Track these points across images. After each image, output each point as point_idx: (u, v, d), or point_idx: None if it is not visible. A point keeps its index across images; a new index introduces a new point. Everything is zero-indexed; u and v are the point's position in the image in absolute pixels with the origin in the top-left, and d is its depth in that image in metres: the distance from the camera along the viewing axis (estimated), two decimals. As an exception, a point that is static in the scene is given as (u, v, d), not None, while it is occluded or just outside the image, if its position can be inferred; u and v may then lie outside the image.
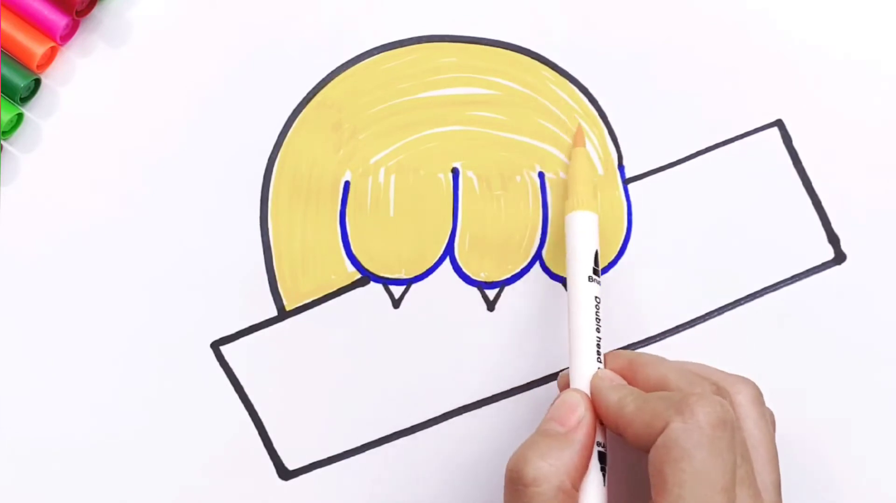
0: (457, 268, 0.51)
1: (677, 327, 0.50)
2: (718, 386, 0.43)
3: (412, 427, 0.50)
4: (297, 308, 0.51)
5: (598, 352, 0.45)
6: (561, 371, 0.47)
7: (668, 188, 0.51)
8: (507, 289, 0.51)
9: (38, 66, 0.52)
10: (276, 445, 0.50)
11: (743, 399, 0.44)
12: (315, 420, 0.50)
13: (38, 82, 0.52)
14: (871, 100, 0.52)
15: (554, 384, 0.49)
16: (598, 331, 0.46)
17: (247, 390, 0.50)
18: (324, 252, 0.51)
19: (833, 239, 0.51)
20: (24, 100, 0.52)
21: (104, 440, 0.50)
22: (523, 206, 0.51)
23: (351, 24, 0.52)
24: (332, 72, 0.52)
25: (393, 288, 0.51)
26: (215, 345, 0.50)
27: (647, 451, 0.41)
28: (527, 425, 0.50)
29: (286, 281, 0.51)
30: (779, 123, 0.52)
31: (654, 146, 0.51)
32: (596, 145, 0.51)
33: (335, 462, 0.50)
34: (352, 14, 0.52)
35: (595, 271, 0.47)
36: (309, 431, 0.50)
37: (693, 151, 0.51)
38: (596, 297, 0.46)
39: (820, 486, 0.50)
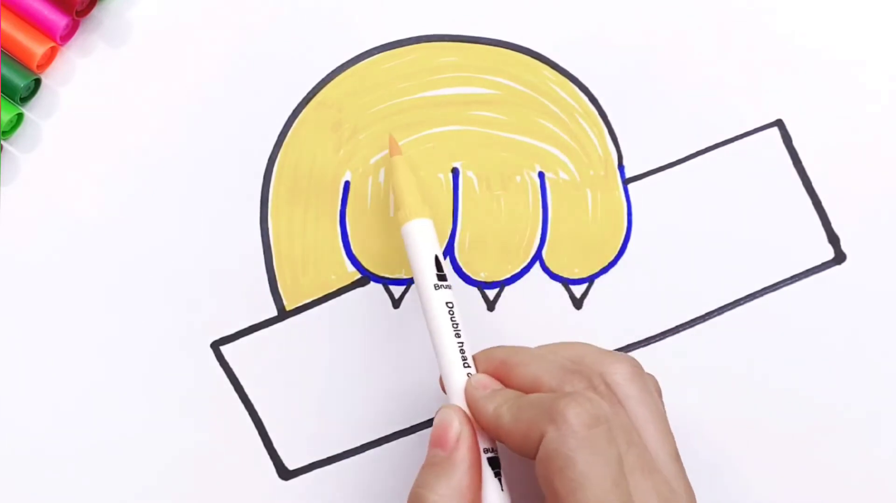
0: (457, 269, 0.51)
1: (677, 327, 0.50)
2: (592, 373, 0.42)
3: (412, 427, 0.50)
4: (297, 308, 0.51)
5: (465, 358, 0.44)
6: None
7: (668, 188, 0.51)
8: (507, 289, 0.51)
9: (38, 66, 0.52)
10: (276, 445, 0.50)
11: (620, 378, 0.43)
12: (315, 420, 0.50)
13: (38, 82, 0.52)
14: (871, 100, 0.52)
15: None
16: (459, 337, 0.45)
17: (247, 390, 0.50)
18: (324, 252, 0.51)
19: (833, 239, 0.51)
20: (24, 100, 0.52)
21: (104, 440, 0.50)
22: (523, 206, 0.51)
23: (351, 24, 0.52)
24: (332, 72, 0.52)
25: (393, 288, 0.51)
26: (215, 345, 0.50)
27: (533, 459, 0.41)
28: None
29: (286, 281, 0.51)
30: (779, 123, 0.52)
31: (654, 146, 0.51)
32: (596, 144, 0.51)
33: (335, 462, 0.50)
34: (352, 14, 0.52)
35: (440, 276, 0.46)
36: (309, 431, 0.50)
37: (693, 151, 0.51)
38: (447, 303, 0.45)
39: (820, 485, 0.50)
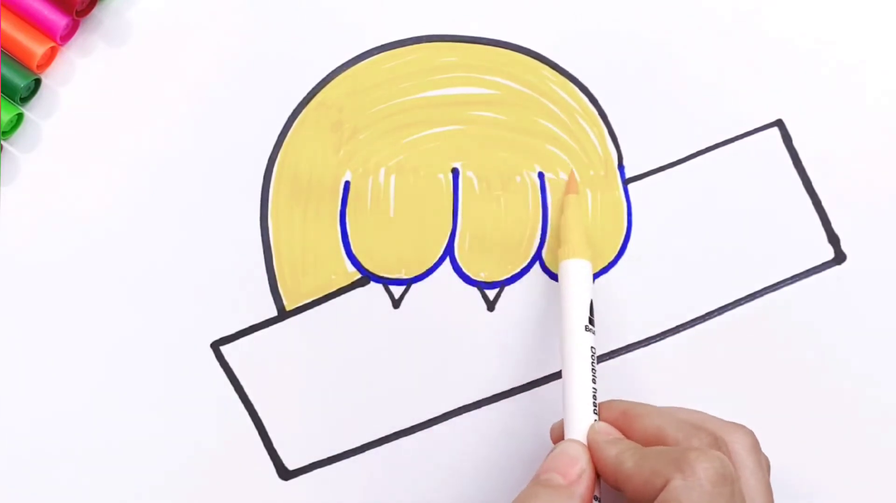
0: (457, 269, 0.51)
1: (677, 327, 0.50)
2: (715, 436, 0.43)
3: (412, 427, 0.50)
4: (297, 308, 0.51)
5: (594, 404, 0.45)
6: (553, 424, 0.47)
7: (668, 188, 0.51)
8: (507, 289, 0.51)
9: (38, 66, 0.52)
10: (276, 445, 0.50)
11: (740, 448, 0.43)
12: (315, 420, 0.50)
13: (38, 82, 0.52)
14: (871, 100, 0.52)
15: (551, 387, 0.49)
16: (595, 382, 0.45)
17: (247, 390, 0.50)
18: (324, 252, 0.51)
19: (833, 239, 0.51)
20: (24, 100, 0.52)
21: (104, 440, 0.50)
22: (523, 206, 0.51)
23: (351, 24, 0.52)
24: (332, 72, 0.52)
25: (393, 288, 0.51)
26: (215, 345, 0.50)
27: None
28: (527, 425, 0.50)
29: (286, 281, 0.51)
30: (779, 123, 0.52)
31: (654, 146, 0.51)
32: (596, 144, 0.51)
33: (335, 462, 0.50)
34: (352, 14, 0.52)
35: (590, 320, 0.46)
36: (309, 431, 0.50)
37: (693, 151, 0.51)
38: (592, 348, 0.46)
39: (820, 485, 0.50)
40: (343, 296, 0.51)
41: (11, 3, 0.51)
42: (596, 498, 0.44)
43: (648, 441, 0.44)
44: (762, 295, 0.51)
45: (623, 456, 0.43)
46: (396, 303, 0.51)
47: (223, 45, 0.52)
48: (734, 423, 0.44)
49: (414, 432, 0.50)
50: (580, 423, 0.45)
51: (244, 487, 0.50)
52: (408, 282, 0.51)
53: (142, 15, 0.52)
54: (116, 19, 0.52)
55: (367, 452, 0.50)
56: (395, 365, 0.50)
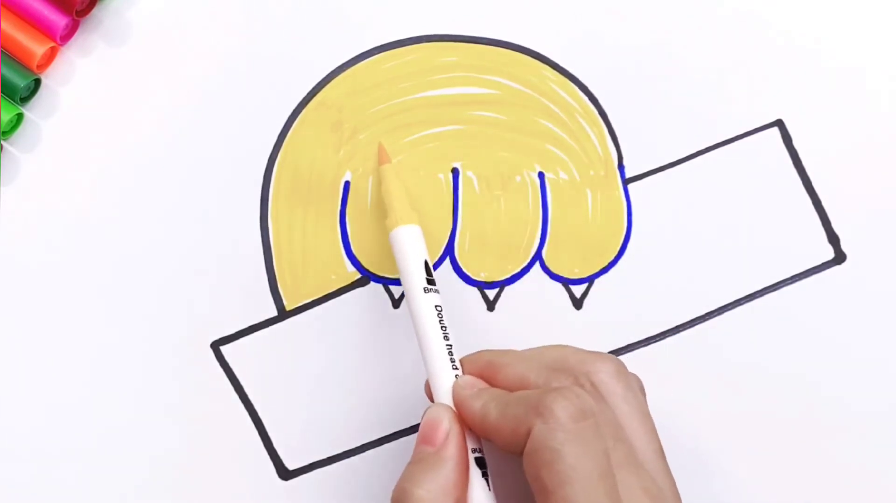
0: (457, 269, 0.51)
1: (677, 327, 0.50)
2: (577, 372, 0.43)
3: (412, 427, 0.50)
4: (297, 308, 0.51)
5: (452, 360, 0.45)
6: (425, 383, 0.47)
7: (668, 188, 0.51)
8: (507, 289, 0.51)
9: (38, 66, 0.52)
10: (276, 445, 0.50)
11: (605, 377, 0.43)
12: (315, 420, 0.50)
13: (38, 82, 0.52)
14: (872, 100, 0.52)
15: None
16: (447, 339, 0.45)
17: (247, 390, 0.50)
18: (324, 252, 0.51)
19: (833, 239, 0.51)
20: (24, 100, 0.52)
21: (104, 440, 0.50)
22: (523, 206, 0.51)
23: (351, 24, 0.52)
24: (332, 72, 0.52)
25: (393, 288, 0.51)
26: (215, 345, 0.51)
27: (520, 456, 0.41)
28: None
29: (286, 281, 0.51)
30: (779, 123, 0.52)
31: (654, 146, 0.51)
32: (596, 144, 0.51)
33: (335, 462, 0.50)
34: (352, 14, 0.52)
35: (429, 281, 0.46)
36: (309, 431, 0.50)
37: (693, 151, 0.51)
38: (436, 306, 0.46)
39: (820, 485, 0.50)
40: (343, 296, 0.51)
41: (11, 3, 0.51)
42: (475, 450, 0.43)
43: (513, 388, 0.43)
44: (762, 295, 0.51)
45: (487, 407, 0.42)
46: (396, 304, 0.51)
47: (223, 45, 0.52)
48: (596, 353, 0.44)
49: (414, 432, 0.50)
50: (442, 381, 0.45)
51: (244, 487, 0.50)
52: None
53: (142, 15, 0.52)
54: (116, 19, 0.52)
55: (367, 452, 0.50)
56: (395, 365, 0.50)
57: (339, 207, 0.51)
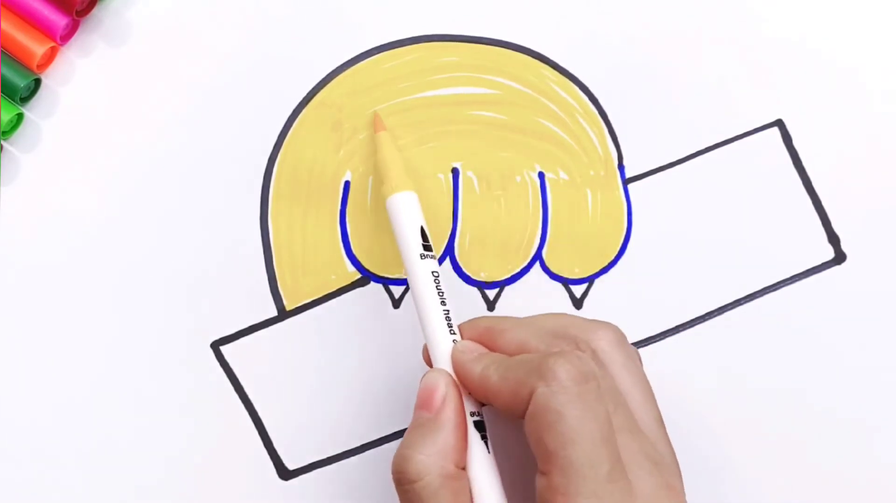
0: (457, 269, 0.51)
1: (677, 327, 0.50)
2: (578, 339, 0.43)
3: (412, 427, 0.50)
4: (297, 308, 0.51)
5: (450, 325, 0.45)
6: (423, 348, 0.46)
7: (668, 188, 0.51)
8: (507, 289, 0.51)
9: (38, 66, 0.52)
10: (276, 445, 0.50)
11: (605, 345, 0.43)
12: (315, 420, 0.50)
13: (38, 82, 0.52)
14: (872, 100, 0.52)
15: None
16: (445, 304, 0.45)
17: (247, 390, 0.50)
18: (324, 252, 0.51)
19: (833, 239, 0.51)
20: (24, 100, 0.52)
21: (104, 440, 0.50)
22: (523, 206, 0.51)
23: (351, 24, 0.52)
24: (332, 72, 0.52)
25: (393, 288, 0.51)
26: (215, 345, 0.51)
27: (521, 418, 0.41)
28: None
29: (286, 281, 0.51)
30: (779, 123, 0.52)
31: (654, 146, 0.51)
32: (596, 144, 0.51)
33: (335, 462, 0.50)
34: (352, 14, 0.52)
35: (426, 247, 0.46)
36: (309, 431, 0.50)
37: (693, 151, 0.51)
38: (433, 272, 0.46)
39: (819, 485, 0.50)
40: (343, 296, 0.51)
41: (11, 3, 0.51)
42: (474, 414, 0.43)
43: (512, 353, 0.43)
44: (762, 295, 0.51)
45: (488, 370, 0.42)
46: (396, 304, 0.51)
47: (223, 45, 0.52)
48: (597, 321, 0.44)
49: (414, 432, 0.50)
50: (441, 347, 0.45)
51: (244, 487, 0.50)
52: (408, 283, 0.51)
53: (142, 15, 0.52)
54: (116, 19, 0.52)
55: (367, 452, 0.50)
56: (395, 365, 0.50)
57: (339, 207, 0.51)
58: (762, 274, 0.51)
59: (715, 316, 0.51)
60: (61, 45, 0.52)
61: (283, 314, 0.51)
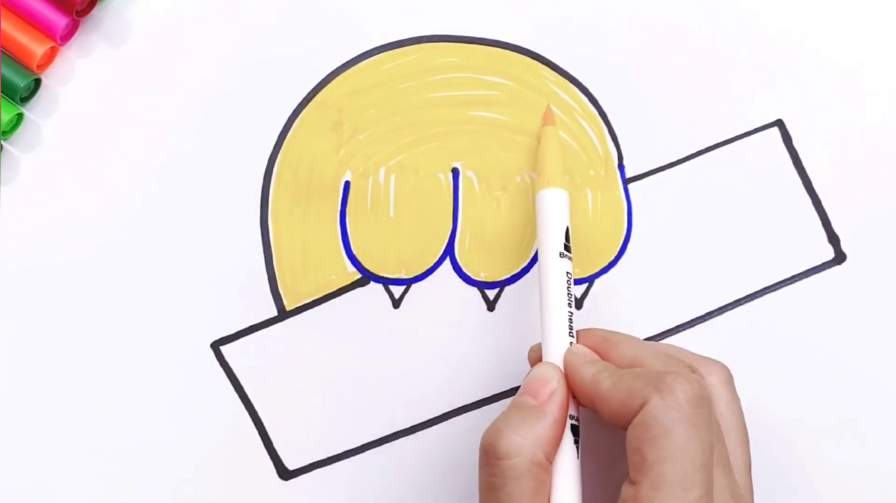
0: (457, 269, 0.51)
1: (677, 327, 0.50)
2: (692, 367, 0.43)
3: (412, 427, 0.50)
4: (297, 308, 0.51)
5: (571, 328, 0.45)
6: (532, 346, 0.47)
7: (668, 188, 0.51)
8: (507, 289, 0.51)
9: (38, 66, 0.52)
10: (276, 445, 0.50)
11: (716, 381, 0.44)
12: (315, 420, 0.50)
13: (38, 82, 0.52)
14: (871, 100, 0.52)
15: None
16: (570, 307, 0.46)
17: (247, 390, 0.50)
18: (324, 252, 0.51)
19: (833, 239, 0.51)
20: (24, 100, 0.52)
21: (104, 440, 0.50)
22: (523, 206, 0.51)
23: (351, 24, 0.52)
24: (332, 72, 0.52)
25: (393, 288, 0.51)
26: (215, 345, 0.51)
27: (623, 428, 0.41)
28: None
29: (286, 281, 0.51)
30: (779, 123, 0.52)
31: (654, 146, 0.51)
32: (596, 144, 0.51)
33: (335, 462, 0.50)
34: (352, 14, 0.52)
35: (566, 247, 0.47)
36: (309, 431, 0.50)
37: (693, 151, 0.51)
38: (567, 273, 0.46)
39: (819, 485, 0.50)
40: (343, 296, 0.51)
41: (11, 3, 0.51)
42: (572, 417, 0.44)
43: (626, 367, 0.44)
44: (762, 295, 0.51)
45: (600, 376, 0.43)
46: (396, 303, 0.51)
47: (223, 45, 0.52)
48: (710, 358, 0.45)
49: (414, 432, 0.50)
50: (557, 345, 0.45)
51: (244, 487, 0.50)
52: (408, 282, 0.51)
53: (142, 15, 0.52)
54: (116, 19, 0.52)
55: (366, 452, 0.50)
56: (395, 365, 0.50)
57: (339, 207, 0.51)
58: (762, 274, 0.51)
59: (715, 316, 0.51)
60: (61, 45, 0.52)
61: (283, 314, 0.51)
